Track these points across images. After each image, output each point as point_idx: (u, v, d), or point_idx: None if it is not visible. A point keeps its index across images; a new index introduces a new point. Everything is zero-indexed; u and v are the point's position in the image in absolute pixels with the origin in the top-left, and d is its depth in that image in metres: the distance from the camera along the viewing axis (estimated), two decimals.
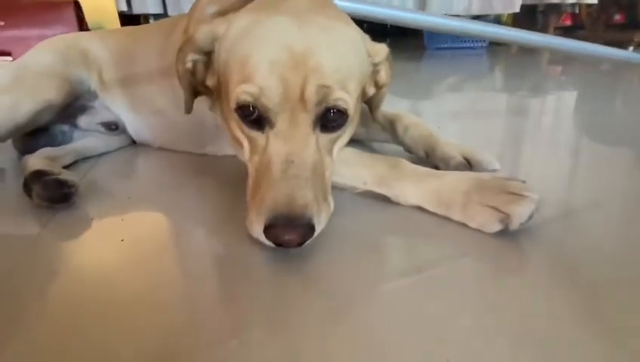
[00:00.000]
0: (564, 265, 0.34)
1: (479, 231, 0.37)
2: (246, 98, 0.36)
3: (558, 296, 0.30)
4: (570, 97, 1.22)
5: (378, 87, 0.45)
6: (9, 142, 0.65)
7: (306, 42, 0.36)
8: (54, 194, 0.47)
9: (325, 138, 0.39)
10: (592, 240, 0.37)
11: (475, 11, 2.09)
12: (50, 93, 0.62)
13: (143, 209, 0.51)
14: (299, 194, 0.33)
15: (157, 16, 1.64)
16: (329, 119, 0.38)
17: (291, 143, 0.36)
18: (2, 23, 1.19)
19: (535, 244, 0.36)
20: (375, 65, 0.43)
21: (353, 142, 0.64)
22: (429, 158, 0.51)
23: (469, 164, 0.47)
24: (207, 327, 0.29)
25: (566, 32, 2.85)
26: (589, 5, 2.23)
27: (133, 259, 0.39)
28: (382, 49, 0.43)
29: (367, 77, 0.43)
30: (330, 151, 0.40)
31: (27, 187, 0.49)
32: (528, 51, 2.40)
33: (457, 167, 0.46)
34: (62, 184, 0.48)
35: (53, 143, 0.66)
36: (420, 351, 0.25)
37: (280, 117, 0.36)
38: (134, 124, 0.71)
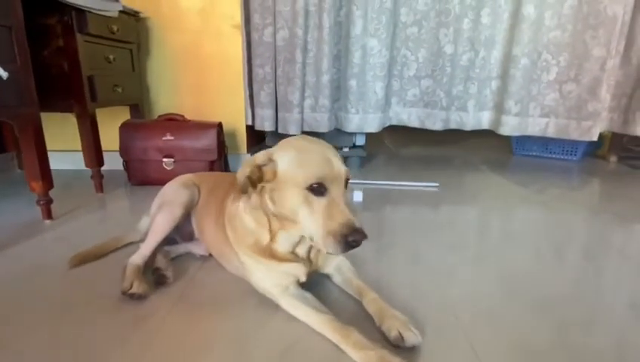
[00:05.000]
0: None
1: None
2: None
3: None
4: None
5: None
6: None
7: (332, 153, 0.77)
8: (160, 280, 0.92)
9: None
10: None
11: (551, 134, 2.16)
12: (184, 204, 1.03)
13: (210, 293, 0.87)
14: (356, 220, 0.71)
15: (272, 133, 2.19)
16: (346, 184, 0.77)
17: (342, 197, 0.74)
18: (173, 138, 1.82)
19: None
20: None
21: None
22: (379, 326, 0.76)
23: (402, 337, 0.72)
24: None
25: None
26: None
27: (195, 318, 0.73)
28: None
29: None
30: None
31: (153, 272, 0.92)
32: (631, 173, 2.31)
33: (394, 339, 0.71)
34: (165, 276, 0.92)
35: (171, 243, 1.08)
36: None
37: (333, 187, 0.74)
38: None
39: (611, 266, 1.07)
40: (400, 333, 0.72)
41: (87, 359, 0.69)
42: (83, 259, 1.04)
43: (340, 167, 0.75)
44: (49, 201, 1.35)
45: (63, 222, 1.35)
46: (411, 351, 0.71)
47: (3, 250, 1.12)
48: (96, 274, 0.99)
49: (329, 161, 0.75)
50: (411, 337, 0.71)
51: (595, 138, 2.07)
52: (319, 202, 0.73)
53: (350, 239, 0.69)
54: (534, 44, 2.04)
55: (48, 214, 1.35)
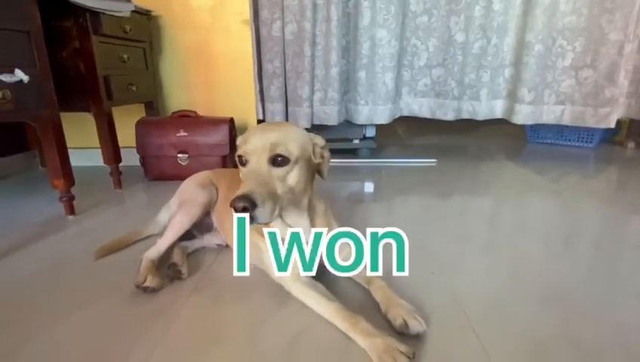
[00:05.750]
0: None
1: None
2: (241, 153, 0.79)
3: None
4: None
5: (322, 157, 0.86)
6: None
7: (268, 130, 0.79)
8: (176, 275, 0.95)
9: (277, 171, 0.76)
10: None
11: (566, 122, 2.12)
12: (202, 205, 1.08)
13: (222, 285, 0.90)
14: (248, 187, 0.71)
15: None
16: (277, 160, 0.76)
17: (255, 168, 0.76)
18: (187, 134, 1.86)
19: None
20: (316, 145, 0.85)
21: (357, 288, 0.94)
22: (385, 314, 0.78)
23: (406, 325, 0.74)
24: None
25: None
26: None
27: (207, 310, 0.78)
28: (319, 138, 0.86)
29: (309, 148, 0.83)
30: (282, 180, 0.77)
31: (169, 267, 0.96)
32: None
33: (399, 326, 0.73)
34: (180, 271, 0.96)
35: (188, 238, 1.12)
36: None
37: (252, 158, 0.77)
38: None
39: (623, 259, 1.07)
40: (405, 321, 0.74)
41: (102, 351, 0.73)
42: (107, 251, 1.10)
43: (262, 141, 0.77)
44: (71, 198, 1.41)
45: (85, 217, 1.41)
46: (417, 339, 0.73)
47: (30, 244, 1.18)
48: (116, 267, 1.03)
49: (251, 136, 0.79)
50: (416, 325, 0.73)
51: (612, 125, 2.02)
52: (242, 172, 0.80)
53: (233, 204, 0.71)
54: (549, 29, 2.00)
55: (71, 210, 1.41)
